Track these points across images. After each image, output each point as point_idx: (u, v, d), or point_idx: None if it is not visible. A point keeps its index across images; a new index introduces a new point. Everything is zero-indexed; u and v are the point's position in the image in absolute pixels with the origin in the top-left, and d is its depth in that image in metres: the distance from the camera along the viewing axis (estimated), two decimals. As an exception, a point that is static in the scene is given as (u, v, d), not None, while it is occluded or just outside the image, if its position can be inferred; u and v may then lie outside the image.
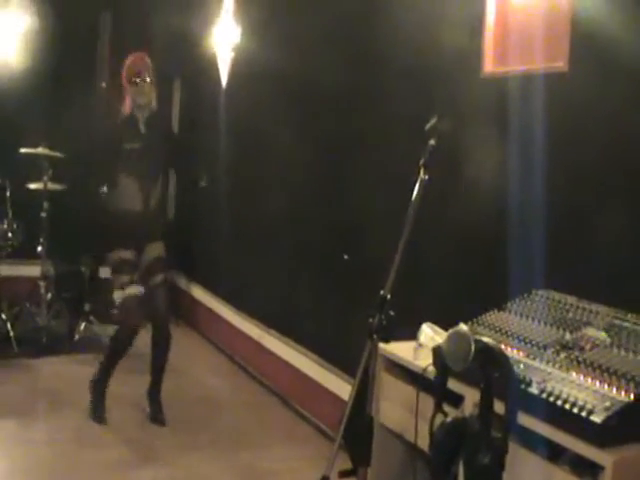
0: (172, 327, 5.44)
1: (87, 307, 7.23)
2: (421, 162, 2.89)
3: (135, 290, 5.16)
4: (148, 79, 5.16)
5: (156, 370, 5.39)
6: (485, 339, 2.23)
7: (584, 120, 3.39)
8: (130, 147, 5.14)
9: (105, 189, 5.46)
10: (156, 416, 5.34)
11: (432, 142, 2.88)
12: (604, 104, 3.30)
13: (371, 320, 2.84)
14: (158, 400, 5.40)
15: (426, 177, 2.87)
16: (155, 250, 5.34)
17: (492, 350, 2.18)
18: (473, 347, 2.16)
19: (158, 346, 5.35)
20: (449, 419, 2.35)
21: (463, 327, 2.23)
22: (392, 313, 2.83)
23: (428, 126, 2.91)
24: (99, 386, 5.33)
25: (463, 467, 2.25)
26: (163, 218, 5.66)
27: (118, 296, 5.18)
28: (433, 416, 2.40)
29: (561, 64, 3.44)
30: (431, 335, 3.48)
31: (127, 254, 5.19)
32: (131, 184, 5.17)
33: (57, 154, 6.72)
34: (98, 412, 5.27)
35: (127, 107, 5.22)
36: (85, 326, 7.11)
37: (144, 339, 5.39)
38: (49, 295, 7.02)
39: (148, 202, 5.22)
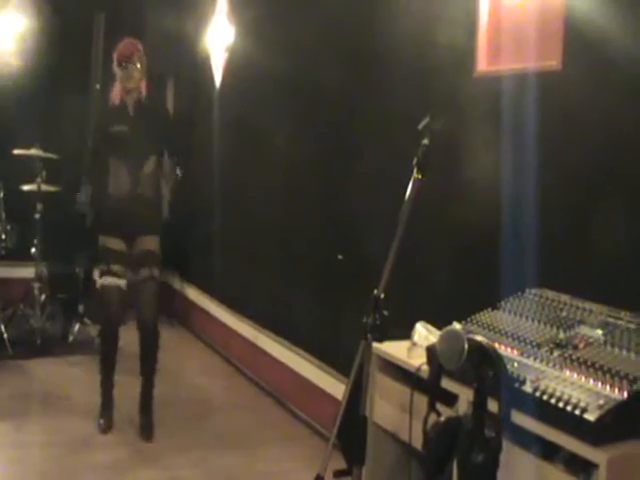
0: (161, 325, 5.34)
1: (81, 308, 7.23)
2: (414, 162, 2.88)
3: (110, 281, 5.08)
4: (138, 64, 5.12)
5: (145, 373, 5.27)
6: (478, 338, 2.22)
7: (578, 118, 3.39)
8: (117, 130, 5.11)
9: (81, 196, 5.30)
10: (143, 429, 5.17)
11: (425, 142, 2.88)
12: (598, 102, 3.30)
13: (365, 320, 2.84)
14: (148, 410, 5.26)
15: (419, 177, 2.87)
16: (147, 243, 5.23)
17: (485, 349, 2.18)
18: (466, 346, 2.16)
19: (144, 345, 5.25)
20: (443, 418, 2.34)
21: (456, 326, 2.23)
22: (386, 313, 2.83)
23: (421, 126, 2.91)
24: (101, 389, 5.25)
25: (457, 466, 2.25)
26: (158, 209, 5.52)
27: (97, 282, 5.19)
28: (426, 416, 2.39)
29: (554, 63, 3.44)
30: (425, 334, 3.47)
31: (111, 242, 5.13)
32: (119, 168, 5.13)
33: (51, 155, 6.73)
34: (101, 416, 5.20)
35: (116, 93, 5.20)
36: (79, 327, 7.11)
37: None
38: (43, 297, 7.03)
39: (136, 186, 5.13)
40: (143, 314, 5.22)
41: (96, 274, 5.26)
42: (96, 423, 5.17)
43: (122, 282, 5.12)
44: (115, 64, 5.14)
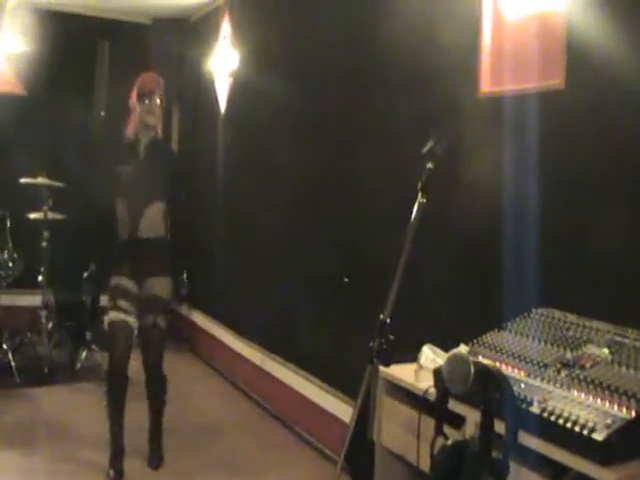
0: (168, 351, 5.20)
1: (88, 336, 7.22)
2: (419, 186, 2.89)
3: (116, 316, 4.85)
4: (158, 100, 4.97)
5: (153, 411, 5.14)
6: (484, 361, 2.22)
7: (581, 137, 3.39)
8: (122, 170, 4.93)
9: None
10: (151, 459, 5.10)
11: (429, 165, 2.88)
12: (601, 121, 3.31)
13: (371, 344, 2.83)
14: (158, 444, 5.17)
15: (424, 200, 2.87)
16: (155, 287, 4.98)
17: (491, 372, 2.18)
18: (472, 370, 2.15)
19: (150, 388, 5.10)
20: (450, 442, 2.34)
21: (462, 349, 2.23)
22: (392, 337, 2.83)
23: (425, 149, 2.91)
24: (110, 435, 4.93)
25: (465, 489, 2.24)
26: (166, 249, 5.14)
27: (104, 321, 4.93)
28: (434, 439, 2.39)
29: (557, 82, 3.45)
30: (432, 357, 3.47)
31: (120, 280, 4.92)
32: (122, 209, 4.94)
33: (57, 183, 6.74)
34: (111, 466, 4.88)
35: (131, 128, 5.01)
36: (87, 355, 7.10)
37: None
38: (50, 324, 7.04)
39: (136, 229, 4.91)
40: (147, 360, 5.04)
41: (104, 314, 4.96)
42: (105, 474, 4.86)
43: (130, 319, 4.89)
44: (135, 98, 4.96)
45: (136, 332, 4.96)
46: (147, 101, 4.93)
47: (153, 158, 5.03)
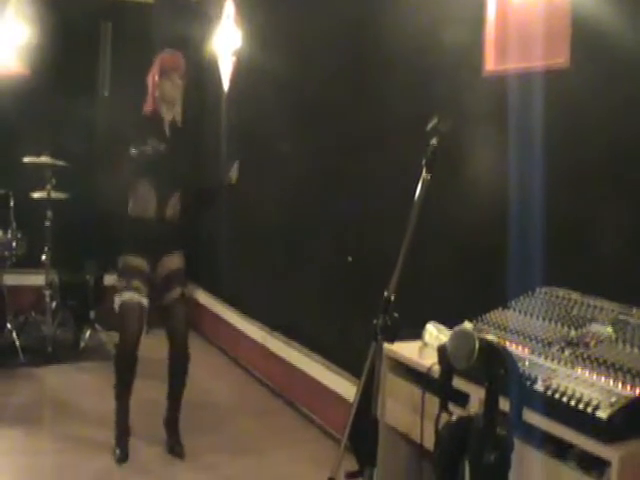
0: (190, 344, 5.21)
1: (92, 315, 7.24)
2: (423, 162, 2.88)
3: (130, 296, 4.78)
4: (181, 78, 4.91)
5: (173, 395, 5.09)
6: (489, 337, 2.22)
7: (586, 117, 3.38)
8: (152, 148, 4.79)
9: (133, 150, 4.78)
10: (173, 447, 5.02)
11: (434, 142, 2.87)
12: (606, 100, 3.30)
13: (375, 321, 2.83)
14: (176, 429, 5.10)
15: (428, 177, 2.86)
16: (173, 262, 4.99)
17: (495, 348, 2.17)
18: (477, 345, 2.15)
19: (175, 367, 5.05)
20: (454, 418, 2.34)
21: (467, 326, 2.23)
22: (396, 315, 2.82)
23: (429, 126, 2.90)
24: (117, 416, 4.95)
25: (469, 466, 2.24)
26: (184, 230, 5.17)
27: (115, 302, 4.84)
28: (438, 415, 2.39)
29: (562, 61, 3.44)
30: (436, 334, 3.46)
31: (134, 260, 4.84)
32: (147, 189, 4.83)
33: (60, 163, 6.73)
34: (117, 445, 4.91)
35: (150, 104, 4.91)
36: (90, 334, 7.13)
37: (149, 343, 5.35)
38: (54, 304, 7.05)
39: (163, 211, 4.86)
40: (175, 335, 5.02)
41: (117, 289, 4.88)
42: (114, 456, 4.89)
43: (144, 299, 4.84)
44: (157, 73, 4.88)
45: (147, 311, 4.95)
46: (171, 77, 4.88)
47: (177, 139, 4.96)
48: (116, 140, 5.06)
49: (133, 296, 4.79)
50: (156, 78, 4.89)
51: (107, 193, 5.23)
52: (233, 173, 5.10)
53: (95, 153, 5.36)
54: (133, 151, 4.75)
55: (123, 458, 4.85)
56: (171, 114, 4.95)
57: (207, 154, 6.76)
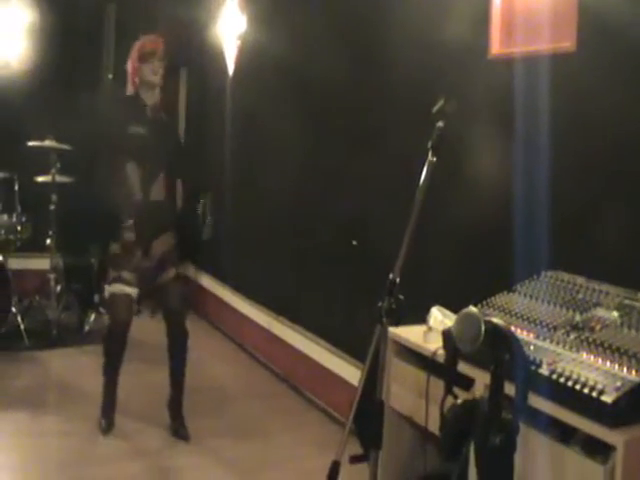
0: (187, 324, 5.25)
1: (97, 298, 7.24)
2: (429, 144, 2.86)
3: (120, 288, 4.90)
4: (160, 61, 4.93)
5: (175, 374, 5.11)
6: (495, 320, 2.21)
7: (592, 100, 3.37)
8: (135, 131, 4.88)
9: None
10: (177, 430, 5.04)
11: (440, 124, 2.86)
12: (612, 83, 3.28)
13: (380, 304, 2.83)
14: (180, 412, 5.12)
15: (434, 159, 2.85)
16: (164, 244, 5.04)
17: (501, 331, 2.17)
18: (483, 328, 2.15)
19: (174, 346, 5.07)
20: (459, 401, 2.34)
21: (473, 309, 2.22)
22: (401, 297, 2.82)
23: (435, 108, 2.89)
24: (104, 389, 5.09)
25: (474, 449, 2.24)
26: (172, 212, 5.30)
27: (106, 290, 5.01)
28: (443, 398, 2.39)
29: (568, 44, 3.42)
30: (440, 318, 3.47)
31: (125, 248, 4.93)
32: (132, 172, 4.91)
33: (64, 146, 6.72)
34: (103, 419, 5.04)
35: (130, 89, 5.00)
36: (95, 317, 7.14)
37: (154, 328, 5.35)
38: (59, 287, 7.06)
39: (148, 192, 4.94)
40: (172, 314, 5.07)
41: (107, 280, 5.02)
42: (99, 426, 5.02)
43: (132, 290, 4.95)
44: (135, 58, 4.94)
45: (136, 300, 5.10)
46: (150, 62, 4.92)
47: (159, 122, 5.05)
48: (101, 125, 5.15)
49: (123, 288, 4.92)
50: (136, 64, 4.95)
51: (99, 178, 5.24)
52: (207, 230, 5.17)
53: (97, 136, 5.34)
54: (115, 135, 4.90)
55: (107, 428, 5.00)
56: (153, 99, 5.02)
57: (188, 150, 6.72)
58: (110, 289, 4.96)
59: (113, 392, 5.09)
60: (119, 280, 4.93)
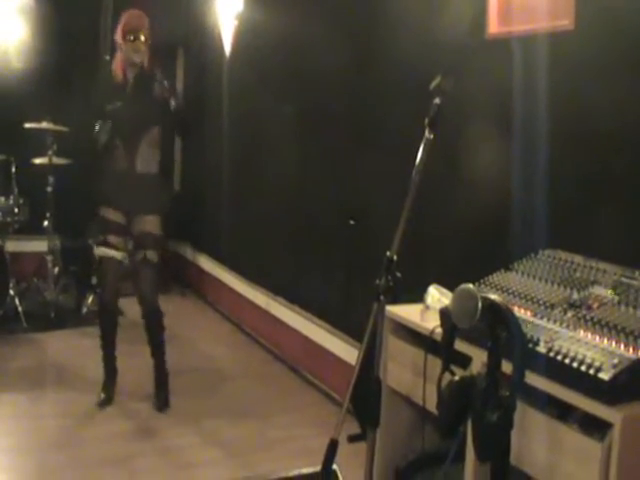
0: (173, 295, 5.29)
1: (94, 280, 7.23)
2: (426, 121, 2.85)
3: (105, 252, 5.01)
4: (143, 38, 4.93)
5: (154, 353, 5.23)
6: (492, 296, 2.21)
7: (590, 79, 3.35)
8: (111, 108, 4.95)
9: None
10: (157, 404, 5.17)
11: (437, 101, 2.84)
12: (611, 62, 3.27)
13: (378, 281, 2.82)
14: (163, 386, 5.23)
15: (431, 136, 2.84)
16: (146, 224, 5.07)
17: (499, 307, 2.16)
18: (480, 304, 2.14)
19: (148, 328, 5.18)
20: (457, 377, 2.33)
21: (470, 285, 2.21)
22: (399, 274, 2.82)
23: (432, 85, 2.87)
24: (103, 362, 5.24)
25: (471, 425, 2.24)
26: (161, 187, 5.37)
27: (94, 253, 5.15)
28: (441, 375, 2.39)
29: (567, 22, 3.40)
30: (438, 297, 3.47)
31: (110, 214, 5.04)
32: (118, 145, 4.99)
33: (61, 128, 6.70)
34: (103, 390, 5.18)
35: (118, 67, 5.01)
36: (93, 299, 7.13)
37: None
38: (56, 270, 7.07)
39: (133, 163, 5.00)
40: (142, 297, 5.18)
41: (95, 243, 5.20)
42: (97, 396, 5.14)
43: (119, 254, 5.05)
44: (120, 36, 4.96)
45: (125, 264, 5.16)
46: (132, 39, 4.92)
47: (139, 90, 5.04)
48: (92, 106, 5.18)
49: (107, 252, 5.02)
50: (120, 39, 4.98)
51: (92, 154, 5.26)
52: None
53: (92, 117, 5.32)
54: (98, 113, 5.01)
55: (106, 402, 5.12)
56: (134, 72, 5.03)
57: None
58: (96, 251, 5.12)
59: (111, 363, 5.23)
60: (104, 244, 5.04)
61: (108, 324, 5.18)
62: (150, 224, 5.09)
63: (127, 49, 4.94)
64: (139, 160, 5.03)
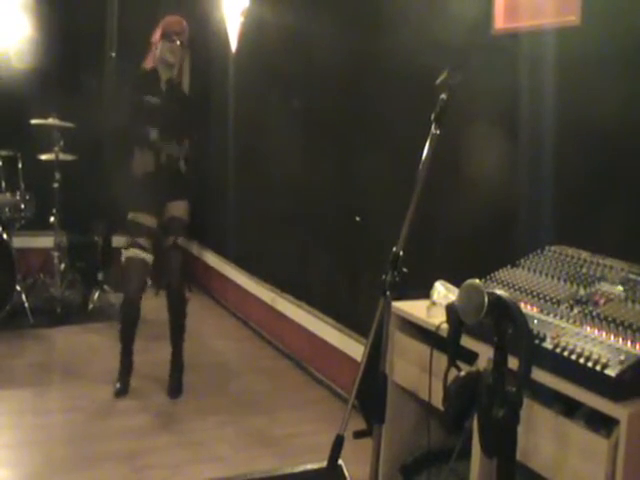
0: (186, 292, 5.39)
1: (100, 276, 7.27)
2: (432, 117, 2.85)
3: (134, 253, 5.09)
4: (180, 42, 5.14)
5: (174, 338, 5.38)
6: (498, 292, 2.20)
7: (598, 74, 3.35)
8: (149, 100, 5.08)
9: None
10: (170, 390, 5.30)
11: (443, 96, 2.84)
12: (618, 57, 3.26)
13: (384, 277, 2.82)
14: (177, 372, 5.38)
15: (437, 132, 2.84)
16: (174, 209, 5.24)
17: (505, 303, 2.15)
18: (486, 300, 2.13)
19: (172, 312, 5.33)
20: (463, 373, 2.33)
21: (476, 280, 2.20)
22: (405, 270, 2.81)
23: (438, 81, 2.87)
24: (121, 355, 5.30)
25: (477, 421, 2.24)
26: (186, 176, 5.40)
27: (122, 256, 5.17)
28: (447, 371, 2.38)
29: (573, 18, 3.39)
30: (444, 293, 3.46)
31: (142, 218, 5.12)
32: (150, 133, 5.07)
33: (68, 124, 6.71)
34: (118, 380, 5.25)
35: (149, 62, 5.21)
36: (99, 295, 7.16)
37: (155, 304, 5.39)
38: (63, 265, 7.06)
39: (159, 158, 5.11)
40: (169, 282, 5.31)
41: (122, 248, 5.25)
42: (113, 387, 5.22)
43: (148, 256, 5.14)
44: (159, 35, 5.14)
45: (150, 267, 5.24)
46: (171, 40, 5.12)
47: (172, 95, 5.22)
48: (117, 96, 5.46)
49: (137, 253, 5.11)
50: (157, 38, 5.15)
51: (114, 152, 5.34)
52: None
53: (102, 113, 5.37)
54: (133, 100, 5.09)
55: (122, 392, 5.22)
56: (167, 74, 5.21)
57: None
58: (126, 253, 5.14)
59: (129, 356, 5.30)
60: (135, 245, 5.11)
61: (130, 319, 5.24)
62: (179, 209, 5.28)
63: (163, 48, 5.12)
64: (163, 156, 5.13)
